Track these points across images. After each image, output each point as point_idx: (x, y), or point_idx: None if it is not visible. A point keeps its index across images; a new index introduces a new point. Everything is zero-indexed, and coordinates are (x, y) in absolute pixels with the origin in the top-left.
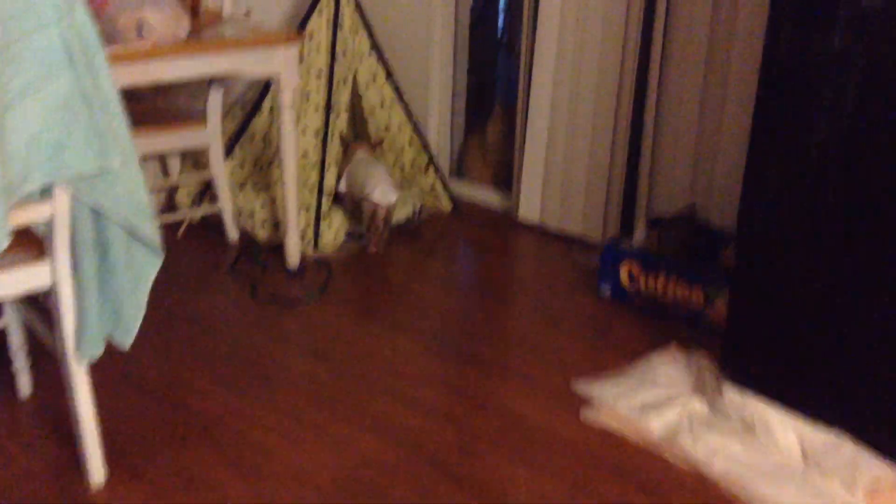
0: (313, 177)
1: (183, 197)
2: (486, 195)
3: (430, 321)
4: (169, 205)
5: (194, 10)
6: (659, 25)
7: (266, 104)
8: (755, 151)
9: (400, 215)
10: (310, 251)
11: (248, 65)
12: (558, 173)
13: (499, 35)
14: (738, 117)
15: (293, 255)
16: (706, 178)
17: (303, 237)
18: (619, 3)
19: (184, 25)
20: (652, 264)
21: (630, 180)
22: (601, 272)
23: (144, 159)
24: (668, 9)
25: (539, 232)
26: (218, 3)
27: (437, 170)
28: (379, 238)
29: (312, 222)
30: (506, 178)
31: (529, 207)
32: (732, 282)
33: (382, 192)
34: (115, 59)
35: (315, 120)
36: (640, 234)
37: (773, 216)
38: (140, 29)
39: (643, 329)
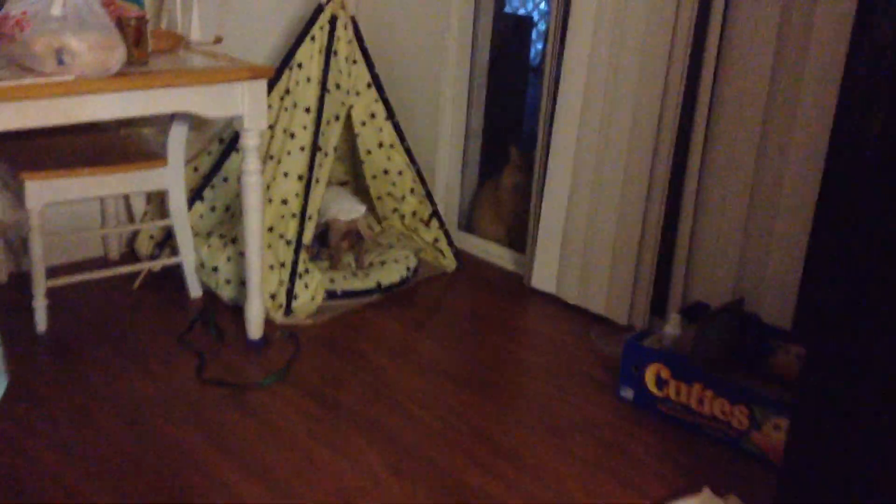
0: (291, 228)
1: (145, 243)
2: (496, 253)
3: (407, 428)
4: (130, 251)
5: (138, 35)
6: (708, 72)
7: None
8: (820, 237)
9: (393, 276)
10: (280, 317)
11: (201, 104)
12: (579, 240)
13: (526, 66)
14: (801, 192)
15: (255, 325)
16: (757, 263)
17: (274, 297)
18: (661, 39)
19: (117, 55)
20: (685, 370)
21: (664, 258)
22: (623, 372)
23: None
24: (719, 51)
25: (554, 304)
26: (183, 26)
27: (441, 222)
28: (341, 255)
29: (286, 282)
30: (521, 235)
31: (544, 275)
32: (795, 402)
33: (345, 210)
34: (27, 92)
35: (299, 162)
36: (672, 328)
37: (848, 317)
38: (60, 57)
39: (668, 450)
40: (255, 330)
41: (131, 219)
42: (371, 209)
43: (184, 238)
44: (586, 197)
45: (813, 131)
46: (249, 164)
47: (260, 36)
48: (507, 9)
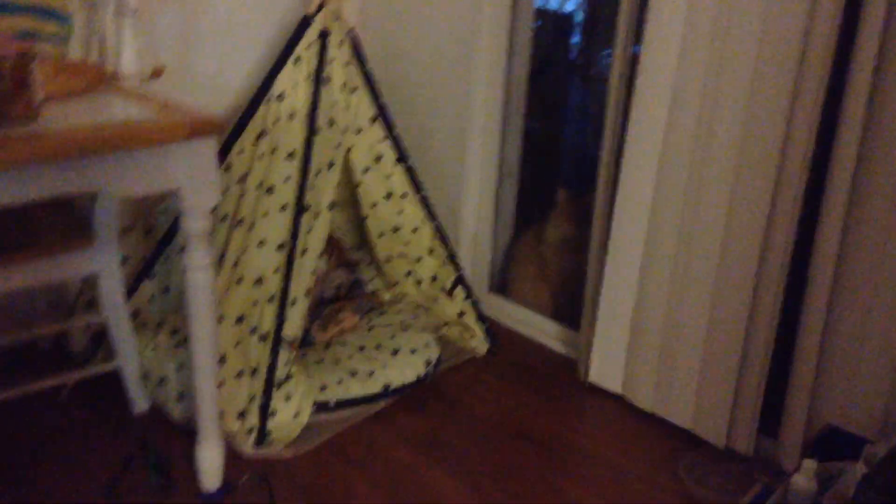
0: (268, 318)
1: (77, 337)
2: (540, 327)
3: None
4: (59, 353)
5: (19, 79)
6: (857, 98)
7: None
8: None
9: (406, 373)
10: (250, 447)
11: (115, 179)
12: (656, 324)
13: (572, 78)
14: None
15: (210, 474)
16: None
17: (243, 418)
18: (785, 45)
19: None
20: None
21: (780, 359)
22: None
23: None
24: (879, 64)
25: (621, 409)
26: (107, 56)
27: (468, 292)
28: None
29: (260, 395)
30: (572, 304)
31: (606, 367)
32: None
33: None
34: None
35: (279, 227)
36: (805, 479)
37: None
38: None
39: None
40: (210, 479)
41: (70, 309)
42: (378, 274)
43: (122, 337)
44: (667, 265)
45: None
46: (194, 256)
47: (233, 59)
48: (539, 4)
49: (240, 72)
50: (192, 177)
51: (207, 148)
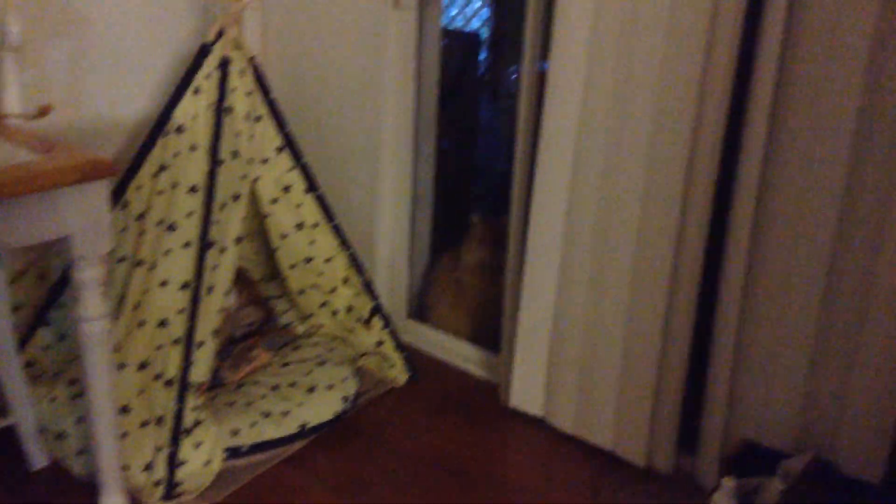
0: (174, 362)
1: None
2: (460, 352)
3: None
4: None
5: None
6: (762, 96)
7: None
8: None
9: (323, 412)
10: (158, 500)
11: (0, 227)
12: (574, 349)
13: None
14: None
15: None
16: (833, 388)
17: (149, 470)
18: (690, 51)
19: None
20: None
21: (696, 375)
22: None
23: None
24: (782, 58)
25: (543, 433)
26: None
27: (385, 321)
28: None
29: (167, 445)
30: (491, 328)
31: (527, 392)
32: None
33: None
34: None
35: (183, 265)
36: (724, 500)
37: None
38: None
39: None
40: None
41: None
42: (291, 307)
43: (15, 390)
44: (583, 285)
45: None
46: (88, 306)
47: (128, 91)
48: (444, 23)
49: (135, 105)
50: (84, 222)
51: (99, 191)
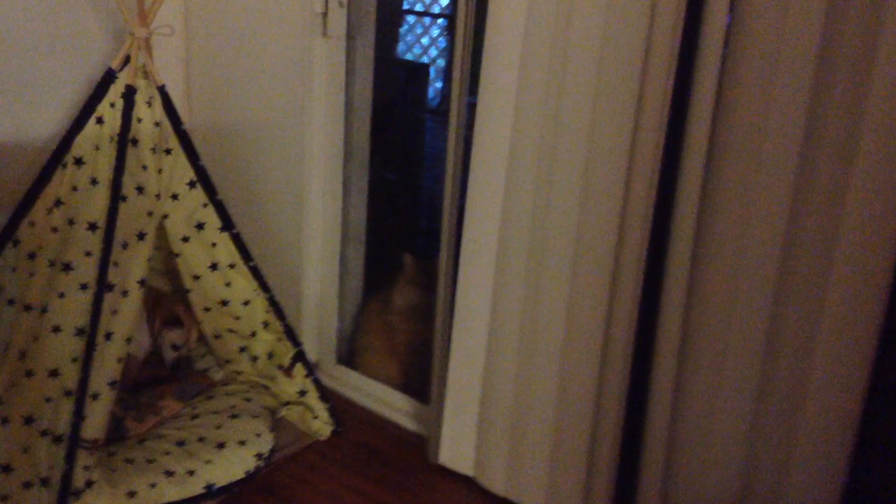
0: (63, 415)
1: None
2: (388, 401)
3: None
4: None
5: None
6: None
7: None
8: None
9: (233, 470)
10: None
11: None
12: (505, 403)
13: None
14: (856, 329)
15: None
16: (778, 444)
17: None
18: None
19: None
20: None
21: (633, 429)
22: None
23: None
24: (724, 62)
25: (472, 494)
26: None
27: (308, 369)
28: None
29: None
30: (423, 376)
31: (456, 448)
32: None
33: None
34: None
35: (77, 309)
36: None
37: None
38: None
39: None
40: None
41: None
42: (208, 351)
43: None
44: (514, 334)
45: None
46: None
47: (33, 116)
48: (395, 55)
49: (41, 132)
50: None
51: None
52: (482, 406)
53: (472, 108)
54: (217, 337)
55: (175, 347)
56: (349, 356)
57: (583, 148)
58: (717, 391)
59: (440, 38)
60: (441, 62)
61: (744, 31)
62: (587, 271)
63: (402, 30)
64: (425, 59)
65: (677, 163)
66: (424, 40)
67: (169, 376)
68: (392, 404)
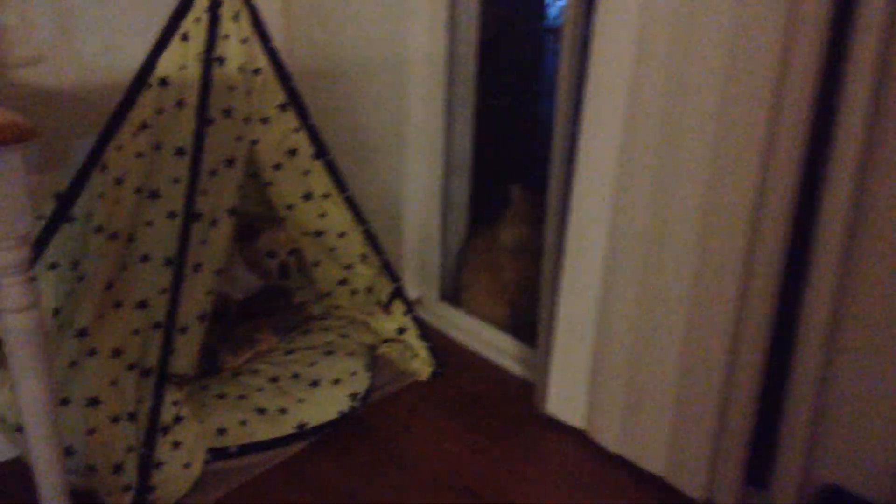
0: (152, 350)
1: None
2: (495, 342)
3: None
4: None
5: None
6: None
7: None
8: None
9: (326, 410)
10: None
11: None
12: (621, 352)
13: (540, 45)
14: None
15: None
16: None
17: (119, 471)
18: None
19: None
20: None
21: (770, 393)
22: None
23: None
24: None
25: (583, 449)
26: None
27: (408, 306)
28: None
29: (140, 445)
30: (531, 317)
31: (566, 397)
32: None
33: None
34: None
35: (166, 238)
36: None
37: None
38: None
39: None
40: None
41: None
42: (307, 282)
43: None
44: (633, 275)
45: None
46: (10, 297)
47: (122, 34)
48: None
49: (130, 50)
50: None
51: (9, 160)
52: (595, 354)
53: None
54: (317, 264)
55: (271, 255)
56: (452, 293)
57: (722, 49)
58: (877, 358)
59: None
60: None
61: None
62: (722, 209)
63: None
64: None
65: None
66: None
67: (267, 306)
68: (497, 346)
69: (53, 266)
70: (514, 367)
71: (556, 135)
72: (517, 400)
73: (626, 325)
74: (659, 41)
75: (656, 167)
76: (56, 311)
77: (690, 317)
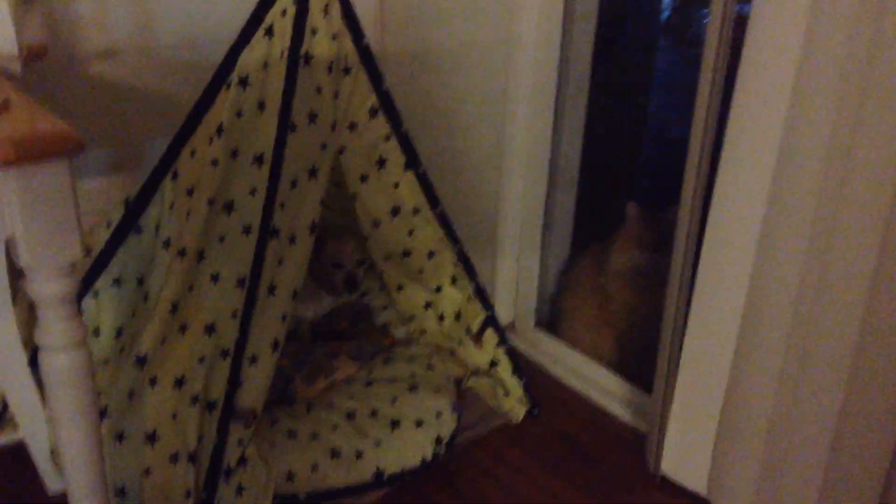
0: (219, 378)
1: None
2: (600, 382)
3: None
4: None
5: None
6: None
7: (156, 211)
8: None
9: (407, 456)
10: None
11: None
12: (761, 409)
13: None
14: None
15: None
16: None
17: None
18: None
19: None
20: None
21: None
22: None
23: None
24: None
25: None
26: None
27: (501, 337)
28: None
29: (202, 487)
30: (645, 356)
31: (686, 456)
32: None
33: None
34: None
35: (239, 256)
36: None
37: None
38: None
39: None
40: None
41: None
42: (390, 302)
43: (22, 405)
44: (783, 318)
45: None
46: (46, 332)
47: (205, 27)
48: None
49: (212, 45)
50: (31, 220)
51: (55, 176)
52: (727, 405)
53: (739, 20)
54: (400, 288)
55: (337, 265)
56: (550, 320)
57: None
58: None
59: None
60: None
61: None
62: None
63: None
64: None
65: None
66: None
67: (347, 329)
68: (601, 386)
69: (118, 281)
70: (622, 413)
71: (691, 148)
72: (624, 453)
73: (771, 371)
74: (834, 42)
75: (821, 186)
76: (118, 332)
77: (855, 364)
